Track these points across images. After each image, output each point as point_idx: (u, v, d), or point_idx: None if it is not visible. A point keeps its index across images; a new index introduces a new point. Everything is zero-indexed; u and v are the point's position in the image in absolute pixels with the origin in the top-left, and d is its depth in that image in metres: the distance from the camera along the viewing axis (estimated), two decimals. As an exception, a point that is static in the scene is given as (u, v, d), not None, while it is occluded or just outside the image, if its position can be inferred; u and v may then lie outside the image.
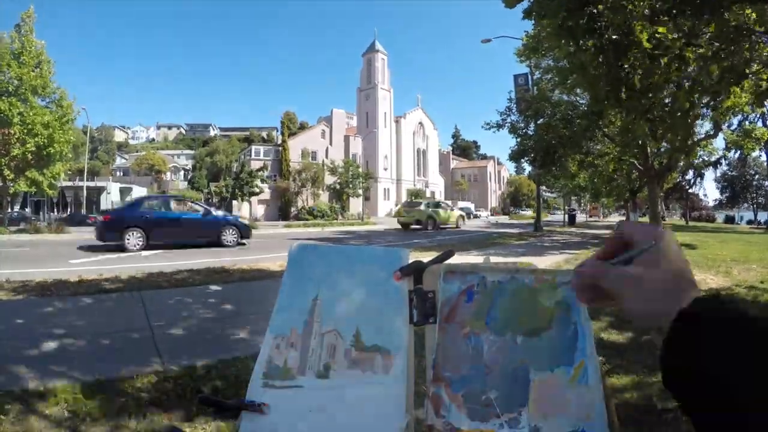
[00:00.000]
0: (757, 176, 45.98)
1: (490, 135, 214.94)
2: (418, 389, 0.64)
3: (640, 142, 13.31)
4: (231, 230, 11.82)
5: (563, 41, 5.49)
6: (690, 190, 39.56)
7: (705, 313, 0.31)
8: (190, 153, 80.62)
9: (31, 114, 16.05)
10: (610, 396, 0.56)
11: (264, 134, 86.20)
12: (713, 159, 21.80)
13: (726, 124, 14.90)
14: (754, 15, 5.24)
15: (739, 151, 20.78)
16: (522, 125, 18.88)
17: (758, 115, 13.73)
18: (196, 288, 5.37)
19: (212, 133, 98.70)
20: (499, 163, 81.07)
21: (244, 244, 12.07)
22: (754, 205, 47.90)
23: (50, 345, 3.17)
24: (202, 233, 11.46)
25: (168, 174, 66.14)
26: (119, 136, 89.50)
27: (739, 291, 5.47)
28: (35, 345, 3.15)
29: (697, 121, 12.92)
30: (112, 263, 8.01)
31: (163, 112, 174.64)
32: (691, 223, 35.53)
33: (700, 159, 20.43)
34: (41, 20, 17.76)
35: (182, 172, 72.73)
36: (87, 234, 16.12)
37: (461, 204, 58.51)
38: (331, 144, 48.57)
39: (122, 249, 10.14)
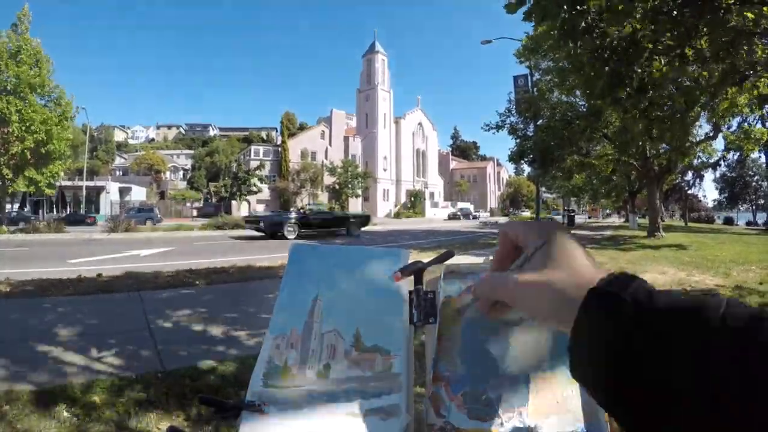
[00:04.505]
0: (756, 177, 46.13)
1: (489, 136, 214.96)
2: (417, 389, 0.64)
3: (639, 142, 13.34)
4: None
5: (563, 43, 5.49)
6: (689, 191, 39.61)
7: (615, 290, 0.27)
8: (189, 153, 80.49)
9: (29, 111, 16.00)
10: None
11: (263, 134, 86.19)
12: (712, 160, 21.80)
13: (725, 126, 14.92)
14: (752, 16, 5.24)
15: (738, 153, 20.80)
16: (521, 126, 18.92)
17: (757, 117, 13.75)
18: (194, 288, 5.37)
19: (212, 133, 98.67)
20: (498, 164, 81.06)
21: None
22: (753, 206, 48.03)
23: (50, 344, 3.16)
24: None
25: (167, 174, 66.08)
26: (119, 136, 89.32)
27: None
28: (34, 344, 3.15)
29: (696, 123, 12.94)
30: (111, 263, 8.01)
31: (162, 112, 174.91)
32: (690, 224, 35.56)
33: (699, 160, 20.47)
34: (39, 19, 17.69)
35: (181, 172, 72.66)
36: (86, 234, 16.15)
37: (460, 205, 58.63)
38: (330, 144, 48.56)
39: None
